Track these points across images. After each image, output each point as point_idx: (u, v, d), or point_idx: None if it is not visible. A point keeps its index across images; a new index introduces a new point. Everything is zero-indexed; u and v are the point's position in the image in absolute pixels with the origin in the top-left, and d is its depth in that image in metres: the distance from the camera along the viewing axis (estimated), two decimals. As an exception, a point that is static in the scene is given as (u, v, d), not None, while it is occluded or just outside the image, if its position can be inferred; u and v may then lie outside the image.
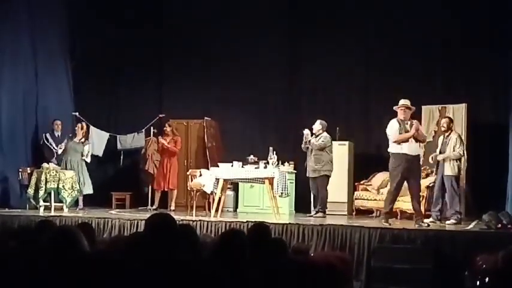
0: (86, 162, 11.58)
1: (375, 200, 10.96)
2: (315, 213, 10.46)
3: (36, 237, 3.60)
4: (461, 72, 11.80)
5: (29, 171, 11.11)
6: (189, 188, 10.97)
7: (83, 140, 11.58)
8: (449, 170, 9.43)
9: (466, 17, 11.42)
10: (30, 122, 12.05)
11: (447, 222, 9.22)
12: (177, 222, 3.98)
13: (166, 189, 11.85)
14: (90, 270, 3.05)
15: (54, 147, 11.68)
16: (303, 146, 10.64)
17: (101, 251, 3.73)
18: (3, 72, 11.60)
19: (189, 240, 3.94)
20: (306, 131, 10.56)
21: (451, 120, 9.90)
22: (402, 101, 9.02)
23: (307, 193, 10.88)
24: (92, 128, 12.74)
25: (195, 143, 12.61)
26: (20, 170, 11.24)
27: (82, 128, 11.72)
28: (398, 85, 12.16)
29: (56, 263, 3.03)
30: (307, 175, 10.61)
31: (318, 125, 10.61)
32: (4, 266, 3.36)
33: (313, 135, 10.59)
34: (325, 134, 10.61)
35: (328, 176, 10.52)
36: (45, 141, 11.81)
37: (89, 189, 11.56)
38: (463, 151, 9.62)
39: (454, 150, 9.46)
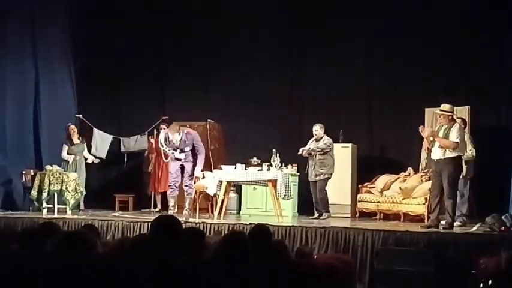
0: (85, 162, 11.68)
1: (378, 202, 10.96)
2: (321, 215, 10.44)
3: (41, 239, 3.60)
4: (464, 75, 11.79)
5: (32, 174, 11.12)
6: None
7: (79, 139, 11.67)
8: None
9: (468, 19, 11.42)
10: (33, 124, 12.06)
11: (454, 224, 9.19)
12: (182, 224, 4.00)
13: (163, 191, 11.84)
14: (99, 273, 3.06)
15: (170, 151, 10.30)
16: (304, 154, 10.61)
17: (107, 253, 3.74)
18: (7, 75, 11.64)
19: (194, 243, 3.96)
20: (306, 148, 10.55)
21: (463, 122, 9.93)
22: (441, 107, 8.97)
23: (310, 195, 10.88)
24: (95, 130, 12.78)
25: (198, 145, 12.60)
26: (24, 172, 11.25)
27: (75, 130, 11.74)
28: (401, 87, 12.21)
29: (68, 267, 3.03)
30: (309, 179, 10.59)
31: (319, 129, 10.53)
32: (8, 268, 3.37)
33: (314, 140, 10.55)
34: (326, 137, 10.58)
35: (329, 178, 10.53)
36: (162, 146, 10.49)
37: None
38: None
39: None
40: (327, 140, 10.51)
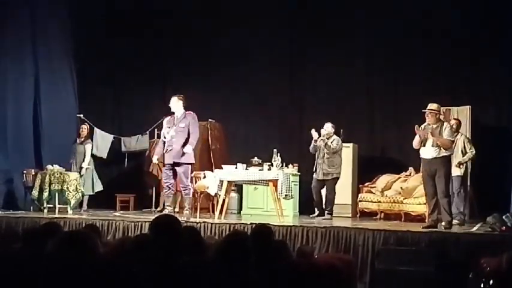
0: (93, 160, 11.72)
1: (379, 202, 10.97)
2: (322, 215, 10.46)
3: (42, 239, 3.60)
4: (464, 75, 11.80)
5: (33, 173, 11.10)
6: (192, 190, 10.97)
7: (83, 140, 11.65)
8: (457, 170, 9.51)
9: (468, 19, 11.42)
10: (34, 124, 12.05)
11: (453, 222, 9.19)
12: (182, 224, 4.00)
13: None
14: (100, 273, 3.06)
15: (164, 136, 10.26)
16: (311, 148, 10.59)
17: (108, 253, 3.74)
18: (8, 75, 11.63)
19: (194, 242, 3.96)
20: (314, 133, 10.52)
21: (459, 123, 10.02)
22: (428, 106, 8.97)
23: (311, 195, 10.89)
24: (96, 129, 12.78)
25: (199, 145, 12.59)
26: (25, 171, 11.23)
27: (86, 129, 11.79)
28: (401, 87, 12.22)
29: (69, 267, 3.04)
30: (317, 177, 10.59)
31: (330, 128, 10.59)
32: (9, 268, 3.37)
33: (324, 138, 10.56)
34: (336, 136, 10.62)
35: (338, 178, 10.56)
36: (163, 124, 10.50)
37: (98, 187, 11.74)
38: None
39: (465, 152, 9.69)
40: (337, 140, 10.54)
